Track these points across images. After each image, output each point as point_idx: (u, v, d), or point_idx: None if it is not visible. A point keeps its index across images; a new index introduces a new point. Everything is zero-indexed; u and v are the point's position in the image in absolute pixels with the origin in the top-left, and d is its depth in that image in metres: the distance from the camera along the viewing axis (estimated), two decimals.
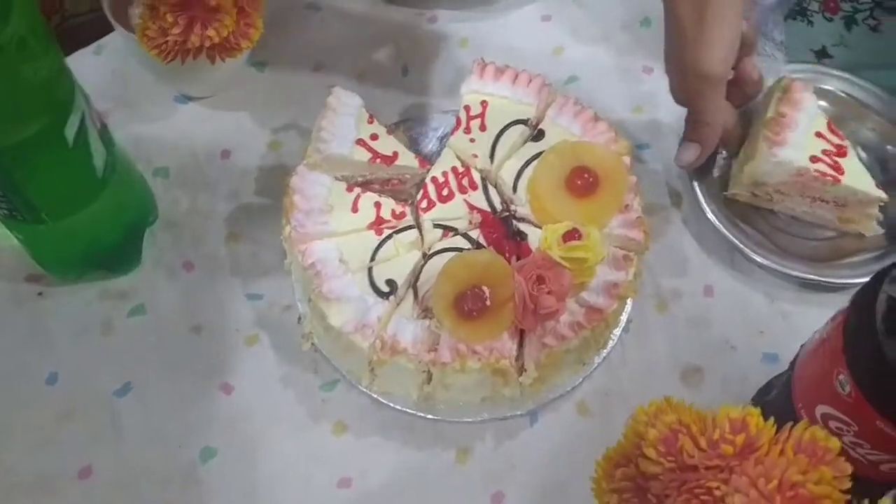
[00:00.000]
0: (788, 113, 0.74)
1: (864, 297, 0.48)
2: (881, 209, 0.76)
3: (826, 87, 0.82)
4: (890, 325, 0.45)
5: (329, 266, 0.66)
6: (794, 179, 0.74)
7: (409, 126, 0.80)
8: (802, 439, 0.41)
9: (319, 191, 0.69)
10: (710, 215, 0.76)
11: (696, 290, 0.75)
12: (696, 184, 0.77)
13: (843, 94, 0.82)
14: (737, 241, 0.75)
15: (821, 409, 0.52)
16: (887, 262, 0.74)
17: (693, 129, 0.73)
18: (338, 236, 0.68)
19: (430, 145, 0.79)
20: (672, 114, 0.83)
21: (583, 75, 0.86)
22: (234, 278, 0.75)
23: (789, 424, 0.42)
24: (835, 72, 0.82)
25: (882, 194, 0.73)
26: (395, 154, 0.72)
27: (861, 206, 0.74)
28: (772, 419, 0.42)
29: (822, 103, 0.80)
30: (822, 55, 0.95)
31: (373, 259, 0.67)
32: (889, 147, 0.80)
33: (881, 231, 0.76)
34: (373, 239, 0.68)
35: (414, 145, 0.79)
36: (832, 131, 0.75)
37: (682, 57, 0.68)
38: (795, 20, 0.96)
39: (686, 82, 0.70)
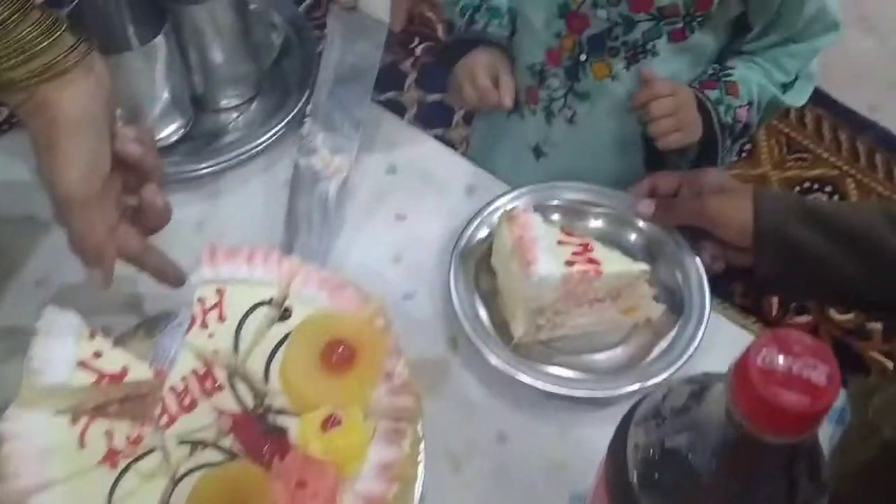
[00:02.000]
0: (524, 235, 0.74)
1: (616, 447, 0.44)
2: (655, 290, 0.77)
3: (553, 202, 0.83)
4: (644, 477, 0.41)
5: None
6: (564, 290, 0.72)
7: (151, 326, 0.73)
8: None
9: (36, 433, 0.60)
10: (488, 354, 0.72)
11: (489, 438, 0.71)
12: (468, 326, 0.74)
13: (570, 201, 0.83)
14: (519, 376, 0.71)
15: None
16: (674, 355, 0.73)
17: (72, 245, 0.65)
18: (62, 483, 0.58)
19: (177, 343, 0.71)
20: (433, 255, 0.81)
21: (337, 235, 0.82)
22: None
23: None
24: (556, 183, 0.84)
25: (643, 266, 0.74)
26: (125, 369, 0.64)
27: (633, 288, 0.75)
28: None
29: (555, 216, 0.82)
30: (538, 153, 0.98)
31: (110, 500, 0.58)
32: (625, 233, 0.82)
33: (662, 307, 0.77)
34: (107, 475, 0.59)
35: (158, 348, 0.71)
36: (569, 234, 0.76)
37: (42, 178, 0.63)
38: (511, 116, 0.99)
39: (55, 204, 0.64)
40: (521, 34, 0.94)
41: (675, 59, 0.88)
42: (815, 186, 1.69)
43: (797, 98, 0.92)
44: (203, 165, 0.84)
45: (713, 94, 0.87)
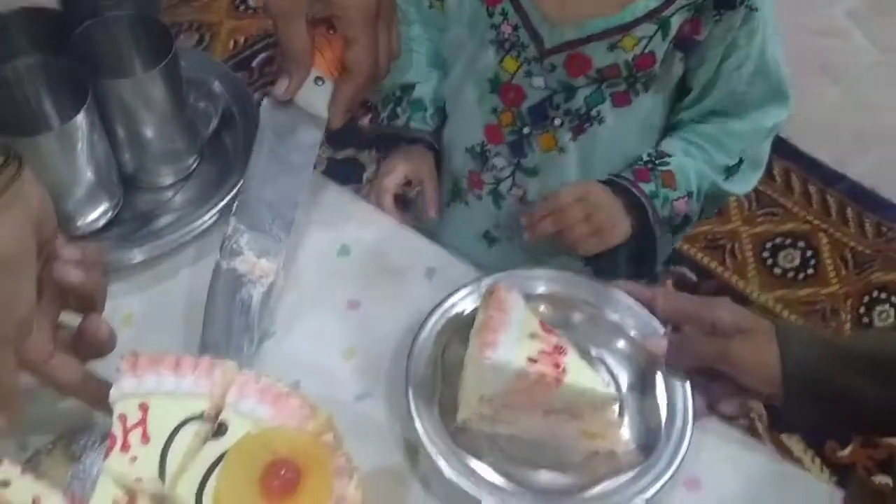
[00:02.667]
0: (495, 315, 0.67)
1: None
2: (631, 420, 0.69)
3: (540, 290, 0.75)
4: None
5: None
6: (516, 386, 0.65)
7: (69, 442, 0.65)
8: None
9: None
10: (447, 470, 0.65)
11: None
12: (424, 435, 0.66)
13: (560, 294, 0.75)
14: (482, 495, 0.64)
15: None
16: (643, 483, 0.66)
17: None
18: None
19: (99, 462, 0.63)
20: (391, 348, 0.74)
21: (281, 327, 0.74)
22: None
23: None
24: (546, 272, 0.76)
25: (611, 392, 0.66)
26: (36, 501, 0.56)
27: (597, 412, 0.67)
28: None
29: (543, 309, 0.74)
30: (489, 240, 0.92)
31: None
32: (616, 342, 0.73)
33: (632, 445, 0.69)
34: None
35: (79, 464, 0.63)
36: (547, 331, 0.68)
37: None
38: (452, 205, 0.93)
39: None
40: (456, 117, 0.88)
41: (623, 127, 0.83)
42: (788, 242, 1.65)
43: (741, 186, 0.87)
44: (134, 252, 0.76)
45: (648, 187, 0.82)
